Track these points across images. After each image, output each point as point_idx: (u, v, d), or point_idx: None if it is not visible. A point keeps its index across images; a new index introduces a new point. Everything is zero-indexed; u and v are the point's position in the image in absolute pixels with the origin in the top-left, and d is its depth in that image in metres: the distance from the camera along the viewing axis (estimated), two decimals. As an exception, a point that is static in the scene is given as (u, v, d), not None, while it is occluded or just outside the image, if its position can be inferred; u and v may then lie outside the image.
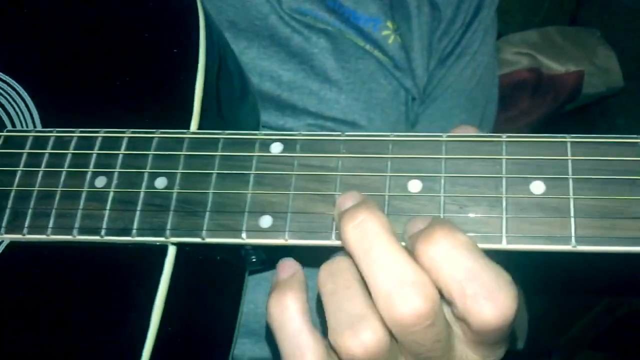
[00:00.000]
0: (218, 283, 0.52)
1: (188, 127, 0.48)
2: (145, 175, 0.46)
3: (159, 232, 0.44)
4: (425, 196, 0.41)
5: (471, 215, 0.40)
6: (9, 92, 0.53)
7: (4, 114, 0.52)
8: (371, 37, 0.77)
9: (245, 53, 0.73)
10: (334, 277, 0.37)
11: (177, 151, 0.46)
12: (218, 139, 0.46)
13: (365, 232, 0.36)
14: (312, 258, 0.42)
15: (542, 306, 1.41)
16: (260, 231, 0.43)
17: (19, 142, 0.49)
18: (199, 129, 0.48)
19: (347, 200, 0.39)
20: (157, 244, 0.44)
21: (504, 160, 0.40)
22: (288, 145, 0.45)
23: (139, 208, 0.45)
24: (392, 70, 0.78)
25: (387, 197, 0.41)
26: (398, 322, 0.34)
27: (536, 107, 1.07)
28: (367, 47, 0.77)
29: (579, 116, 1.19)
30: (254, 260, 0.49)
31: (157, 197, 0.45)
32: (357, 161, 0.43)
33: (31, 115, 0.51)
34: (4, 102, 0.52)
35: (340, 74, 0.75)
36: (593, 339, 1.48)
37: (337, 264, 0.37)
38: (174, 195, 0.45)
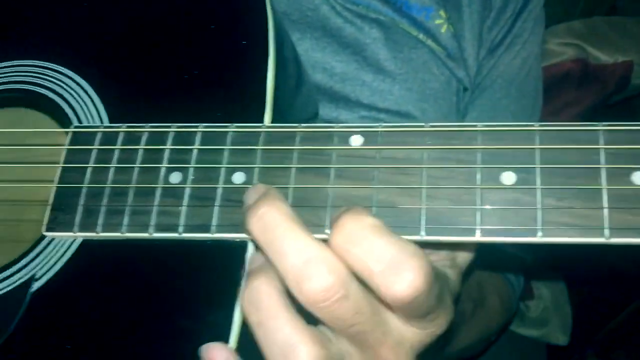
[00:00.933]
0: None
1: (261, 121, 0.47)
2: (222, 171, 0.45)
3: (240, 228, 0.43)
4: (520, 188, 0.39)
5: (570, 207, 0.38)
6: (73, 87, 0.52)
7: (69, 110, 0.51)
8: (424, 26, 0.76)
9: (298, 45, 0.71)
10: (256, 307, 0.37)
11: (253, 145, 0.45)
12: (295, 132, 0.45)
13: (267, 223, 0.36)
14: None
15: (579, 299, 1.38)
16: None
17: (88, 138, 0.48)
18: (271, 122, 0.47)
19: (251, 194, 0.40)
20: (237, 240, 0.43)
21: (602, 150, 0.39)
22: (369, 137, 0.43)
23: (217, 204, 0.44)
24: (444, 60, 0.76)
25: (479, 190, 0.40)
26: (311, 300, 0.35)
27: (582, 98, 1.05)
28: (421, 36, 0.75)
29: (624, 109, 1.17)
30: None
31: (235, 193, 0.44)
32: (443, 152, 0.41)
33: (97, 110, 0.50)
34: (69, 97, 0.52)
35: (394, 64, 0.74)
36: (629, 335, 1.46)
37: (256, 290, 0.37)
38: (253, 191, 0.43)
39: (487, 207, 0.39)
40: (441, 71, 0.77)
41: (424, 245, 0.38)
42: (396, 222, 0.40)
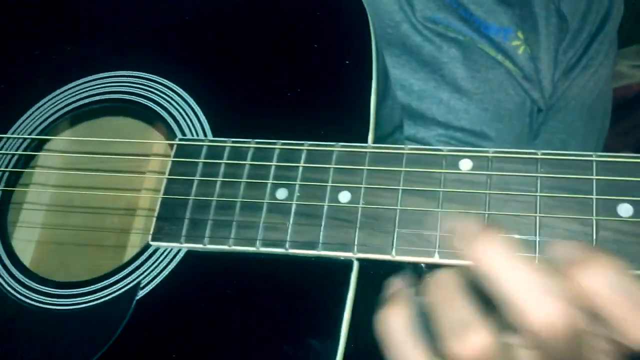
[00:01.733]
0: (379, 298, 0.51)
1: (364, 140, 0.47)
2: (328, 189, 0.45)
3: (346, 247, 0.43)
4: (638, 222, 0.39)
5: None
6: (176, 100, 0.53)
7: (173, 123, 0.52)
8: (502, 46, 0.76)
9: None
10: (440, 288, 0.38)
11: (358, 165, 0.45)
12: (402, 154, 0.45)
13: (496, 254, 0.36)
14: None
15: None
16: (455, 251, 0.41)
17: (193, 151, 0.49)
18: (374, 141, 0.48)
19: (471, 224, 0.39)
20: (342, 258, 0.44)
21: None
22: (478, 161, 0.43)
23: (323, 222, 0.44)
24: (520, 81, 0.76)
25: (594, 220, 0.40)
26: (538, 327, 0.34)
27: (651, 121, 1.03)
28: (499, 57, 0.75)
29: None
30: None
31: (341, 212, 0.44)
32: (558, 181, 0.41)
33: (201, 124, 0.51)
34: (171, 109, 0.53)
35: (470, 83, 0.74)
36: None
37: (442, 276, 0.38)
38: (360, 210, 0.44)
39: (603, 238, 0.39)
40: (516, 92, 0.77)
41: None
42: (508, 249, 0.40)
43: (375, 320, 0.39)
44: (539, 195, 0.41)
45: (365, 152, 0.46)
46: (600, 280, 0.34)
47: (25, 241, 0.63)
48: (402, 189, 0.44)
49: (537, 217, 0.41)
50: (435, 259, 0.42)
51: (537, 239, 0.40)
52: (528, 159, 0.42)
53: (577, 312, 0.34)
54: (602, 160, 0.41)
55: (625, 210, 0.39)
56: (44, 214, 0.65)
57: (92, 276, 0.50)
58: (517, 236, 0.41)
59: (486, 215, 0.42)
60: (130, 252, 0.64)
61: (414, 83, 0.74)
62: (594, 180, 0.41)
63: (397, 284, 0.41)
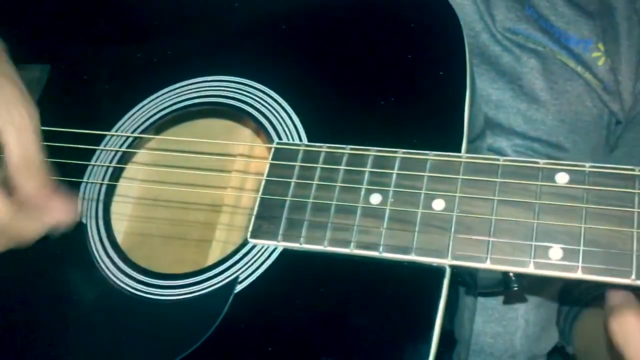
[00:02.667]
0: (461, 303, 0.53)
1: (458, 150, 0.49)
2: (422, 196, 0.47)
3: (440, 253, 0.45)
4: None
5: None
6: (272, 105, 0.55)
7: (270, 127, 0.54)
8: (582, 58, 0.76)
9: None
10: None
11: (452, 174, 0.47)
12: (497, 165, 0.46)
13: None
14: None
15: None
16: (549, 262, 0.42)
17: (290, 155, 0.52)
18: (467, 150, 0.49)
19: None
20: (434, 265, 0.45)
21: None
22: (575, 175, 0.44)
23: (417, 228, 0.46)
24: (600, 93, 0.76)
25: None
26: None
27: None
28: (579, 68, 0.75)
29: None
30: (515, 288, 0.49)
31: (435, 219, 0.46)
32: (656, 198, 0.42)
33: (296, 128, 0.54)
34: (268, 114, 0.55)
35: (549, 94, 0.74)
36: None
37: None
38: (454, 218, 0.45)
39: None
40: (594, 104, 0.76)
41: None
42: (604, 262, 0.41)
43: (612, 324, 0.42)
44: (637, 212, 0.42)
45: (460, 161, 0.47)
46: None
47: (121, 232, 0.67)
48: (498, 199, 0.45)
49: (635, 233, 0.41)
50: (530, 269, 0.43)
51: (634, 254, 0.41)
52: (625, 174, 0.43)
53: None
54: None
55: None
56: (133, 207, 0.69)
57: (176, 268, 0.53)
58: (613, 250, 0.41)
59: (582, 228, 0.43)
60: (215, 247, 0.67)
61: (492, 92, 0.74)
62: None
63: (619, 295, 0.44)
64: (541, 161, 0.45)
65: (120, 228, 0.68)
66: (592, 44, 0.77)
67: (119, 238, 0.67)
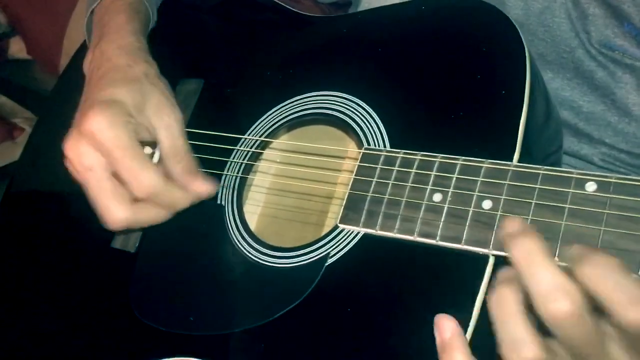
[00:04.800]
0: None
1: (510, 159, 0.58)
2: (475, 197, 0.57)
3: (483, 244, 0.55)
4: None
5: None
6: (365, 116, 0.69)
7: (362, 134, 0.68)
8: None
9: (550, 83, 0.80)
10: (501, 306, 0.48)
11: (501, 180, 0.57)
12: (538, 173, 0.55)
13: (529, 252, 0.47)
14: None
15: None
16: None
17: (373, 159, 0.65)
18: (519, 160, 0.58)
19: (512, 224, 0.50)
20: (480, 253, 0.56)
21: None
22: (602, 185, 0.52)
23: (467, 223, 0.57)
24: None
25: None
26: (553, 316, 0.45)
27: None
28: None
29: None
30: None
31: (483, 216, 0.56)
32: (668, 208, 0.48)
33: (382, 135, 0.66)
34: (361, 124, 0.69)
35: (642, 109, 0.78)
36: None
37: (502, 293, 0.48)
38: (498, 216, 0.55)
39: None
40: None
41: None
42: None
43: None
44: (651, 218, 0.49)
45: (509, 169, 0.57)
46: (588, 270, 0.44)
47: (251, 213, 0.84)
48: (535, 202, 0.54)
49: (646, 236, 0.48)
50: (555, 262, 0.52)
51: (644, 255, 0.48)
52: (645, 186, 0.50)
53: (578, 299, 0.44)
54: None
55: None
56: (265, 196, 0.86)
57: (297, 245, 0.68)
58: (625, 250, 0.49)
59: (602, 230, 0.51)
60: (326, 230, 0.82)
61: (583, 105, 0.80)
62: None
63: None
64: (575, 171, 0.54)
65: (255, 211, 0.86)
66: None
67: (255, 220, 0.84)
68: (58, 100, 1.01)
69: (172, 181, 0.70)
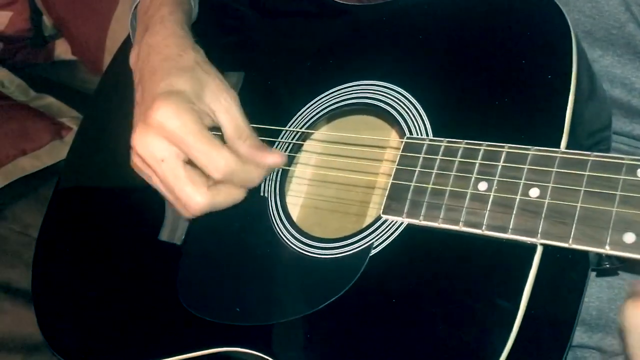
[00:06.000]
0: (567, 277, 0.60)
1: (558, 145, 0.57)
2: (521, 185, 0.56)
3: (531, 233, 0.54)
4: None
5: None
6: (406, 104, 0.68)
7: (403, 123, 0.67)
8: None
9: (599, 61, 0.77)
10: None
11: (549, 167, 0.55)
12: (587, 160, 0.54)
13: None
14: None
15: None
16: (623, 245, 0.49)
17: (416, 148, 0.64)
18: (566, 147, 0.57)
19: None
20: (528, 243, 0.55)
21: None
22: (656, 171, 0.50)
23: (514, 212, 0.55)
24: None
25: None
26: None
27: None
28: None
29: None
30: (606, 265, 0.56)
31: (530, 204, 0.55)
32: None
33: (424, 124, 0.65)
34: (402, 111, 0.68)
35: (697, 84, 0.75)
36: None
37: None
38: (545, 204, 0.54)
39: None
40: None
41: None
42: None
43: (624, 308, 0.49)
44: None
45: (556, 156, 0.55)
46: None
47: (293, 205, 0.84)
48: (584, 190, 0.53)
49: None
50: (606, 250, 0.50)
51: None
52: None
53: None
54: None
55: None
56: (306, 187, 0.86)
57: (340, 235, 0.68)
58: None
59: (656, 218, 0.49)
60: (368, 220, 0.81)
61: (636, 81, 0.76)
62: None
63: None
64: (626, 157, 0.52)
65: (297, 203, 0.86)
66: None
67: (297, 211, 0.85)
68: (101, 99, 1.03)
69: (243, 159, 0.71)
